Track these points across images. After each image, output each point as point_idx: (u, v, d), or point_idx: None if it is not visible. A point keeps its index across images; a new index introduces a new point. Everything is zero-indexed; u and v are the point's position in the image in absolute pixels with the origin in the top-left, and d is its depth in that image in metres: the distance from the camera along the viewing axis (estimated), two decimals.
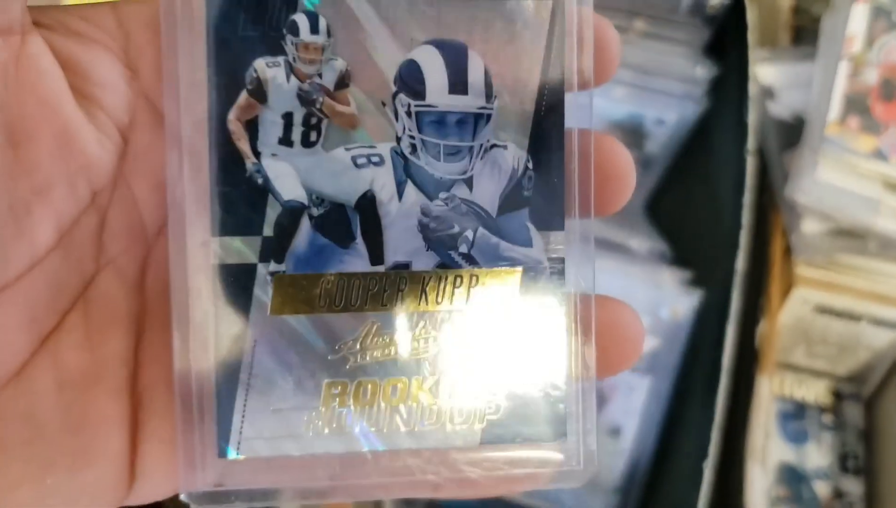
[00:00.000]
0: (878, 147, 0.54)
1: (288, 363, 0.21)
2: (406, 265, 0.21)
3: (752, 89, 0.57)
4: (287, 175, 0.21)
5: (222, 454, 0.20)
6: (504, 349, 0.21)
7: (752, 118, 0.56)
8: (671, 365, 0.53)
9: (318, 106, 0.21)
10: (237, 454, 0.20)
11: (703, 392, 0.51)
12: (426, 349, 0.21)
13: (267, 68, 0.20)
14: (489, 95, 0.21)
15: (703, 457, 0.48)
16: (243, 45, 0.20)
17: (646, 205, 0.66)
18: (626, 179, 0.22)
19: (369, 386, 0.21)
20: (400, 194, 0.21)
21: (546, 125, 0.21)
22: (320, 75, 0.21)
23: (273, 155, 0.21)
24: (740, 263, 0.52)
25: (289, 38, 0.20)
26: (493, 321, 0.21)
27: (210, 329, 0.20)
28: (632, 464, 0.53)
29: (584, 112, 0.21)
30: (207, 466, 0.20)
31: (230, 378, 0.20)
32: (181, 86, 0.20)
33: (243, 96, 0.20)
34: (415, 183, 0.21)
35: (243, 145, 0.20)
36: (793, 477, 0.62)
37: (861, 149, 0.54)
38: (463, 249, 0.21)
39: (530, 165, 0.21)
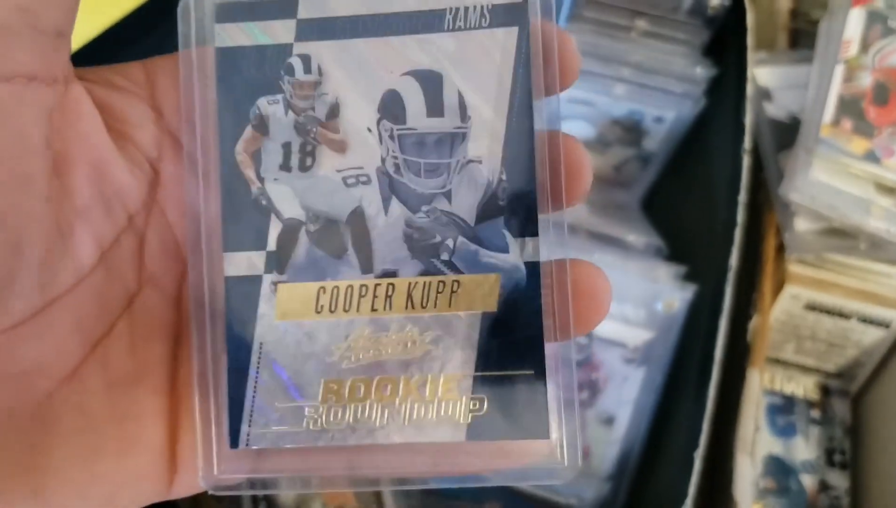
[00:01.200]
0: (871, 149, 0.56)
1: (290, 363, 0.23)
2: (393, 273, 0.23)
3: (750, 90, 0.58)
4: (287, 197, 0.23)
5: (233, 445, 0.23)
6: (486, 350, 0.23)
7: (749, 118, 0.57)
8: (664, 357, 0.54)
9: (312, 135, 0.23)
10: (246, 445, 0.23)
11: (695, 384, 0.52)
12: (413, 350, 0.23)
13: (268, 105, 0.23)
14: (464, 116, 0.23)
15: (695, 447, 0.49)
16: (249, 88, 0.23)
17: (643, 200, 0.67)
18: (584, 172, 0.24)
19: (363, 385, 0.23)
20: (386, 208, 0.23)
21: (517, 141, 0.23)
22: (313, 109, 0.23)
23: (275, 179, 0.23)
24: (734, 259, 0.54)
25: (286, 78, 0.23)
26: (474, 323, 0.23)
27: (223, 333, 0.23)
28: (624, 453, 0.55)
29: (553, 115, 0.23)
30: (222, 456, 0.23)
31: (240, 378, 0.23)
32: (197, 124, 0.23)
33: (248, 130, 0.23)
34: (399, 198, 0.23)
35: (249, 172, 0.23)
36: (780, 470, 0.63)
37: (854, 151, 0.56)
38: (444, 256, 0.23)
39: (504, 178, 0.23)
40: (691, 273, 0.56)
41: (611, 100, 0.61)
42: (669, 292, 0.54)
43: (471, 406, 0.23)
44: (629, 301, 0.54)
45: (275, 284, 0.23)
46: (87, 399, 0.22)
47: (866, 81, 0.57)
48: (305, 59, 0.23)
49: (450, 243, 0.23)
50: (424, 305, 0.23)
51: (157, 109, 0.24)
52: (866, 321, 0.60)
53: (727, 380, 0.54)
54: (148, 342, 0.23)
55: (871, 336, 0.61)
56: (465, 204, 0.23)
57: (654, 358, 0.54)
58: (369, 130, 0.23)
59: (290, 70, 0.23)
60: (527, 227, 0.23)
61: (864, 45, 0.58)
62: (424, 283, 0.23)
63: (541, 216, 0.23)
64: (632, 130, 0.63)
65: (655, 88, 0.60)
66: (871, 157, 0.55)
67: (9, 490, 0.21)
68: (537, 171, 0.23)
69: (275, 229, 0.23)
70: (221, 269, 0.23)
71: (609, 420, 0.54)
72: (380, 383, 0.23)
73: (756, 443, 0.59)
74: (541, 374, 0.22)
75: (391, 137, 0.23)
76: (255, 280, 0.23)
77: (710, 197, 0.60)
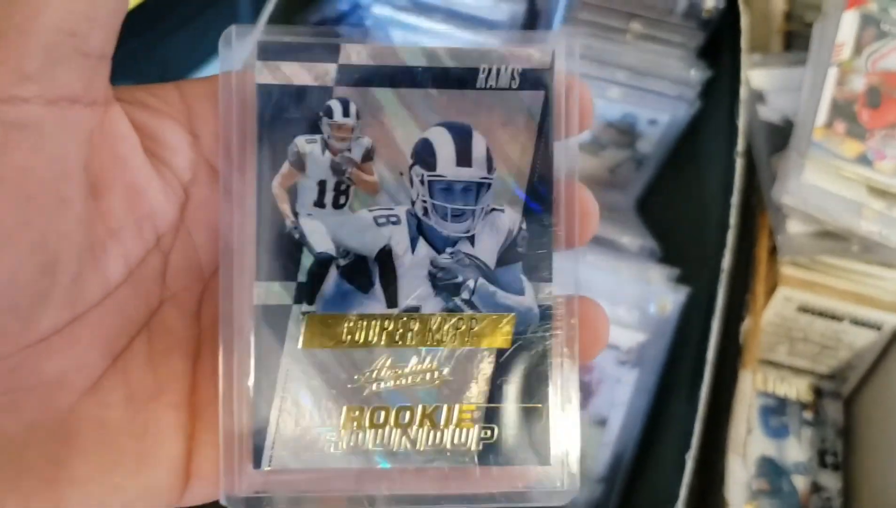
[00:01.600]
0: (863, 152, 0.56)
1: (314, 389, 0.24)
2: (416, 309, 0.24)
3: (743, 93, 0.58)
4: (319, 232, 0.24)
5: (257, 465, 0.24)
6: (499, 383, 0.24)
7: (742, 121, 0.58)
8: (657, 359, 0.55)
9: (347, 175, 0.25)
10: (269, 465, 0.24)
11: (688, 386, 0.53)
12: (432, 381, 0.24)
13: (306, 144, 0.24)
14: (490, 168, 0.25)
15: (686, 448, 0.49)
16: (287, 125, 0.24)
17: (637, 203, 0.67)
18: (593, 219, 0.26)
19: (383, 412, 0.24)
20: (413, 248, 0.25)
21: (538, 194, 0.25)
22: (350, 150, 0.24)
23: (308, 215, 0.24)
24: (727, 261, 0.54)
25: (325, 119, 0.24)
26: (489, 358, 0.24)
27: (251, 359, 0.24)
28: (616, 454, 0.55)
29: (571, 164, 0.25)
30: (244, 475, 0.24)
31: (265, 401, 0.24)
32: (234, 154, 0.24)
33: (286, 167, 0.24)
34: (426, 239, 0.25)
35: (284, 207, 0.24)
36: (773, 471, 0.63)
37: (847, 154, 0.56)
38: (465, 296, 0.25)
39: (524, 227, 0.25)
40: (684, 275, 0.57)
41: (605, 102, 0.61)
42: (662, 295, 0.54)
43: (482, 435, 0.24)
44: (622, 304, 0.54)
45: (303, 314, 0.24)
46: (108, 413, 0.23)
47: (859, 83, 0.57)
48: (344, 103, 0.24)
49: (471, 283, 0.25)
50: (444, 339, 0.24)
51: (193, 133, 0.25)
52: (858, 323, 0.60)
53: (719, 382, 0.54)
54: (167, 358, 0.24)
55: (864, 338, 0.62)
56: (487, 249, 0.25)
57: (647, 360, 0.55)
58: (401, 174, 0.25)
59: (330, 112, 0.24)
60: (542, 273, 0.25)
61: (858, 48, 0.58)
62: (445, 319, 0.25)
63: (556, 255, 0.25)
64: (626, 133, 0.63)
65: (650, 90, 0.61)
66: (864, 160, 0.56)
67: (31, 503, 0.21)
68: (554, 218, 0.25)
69: (306, 262, 0.24)
70: (252, 297, 0.24)
71: (602, 422, 0.55)
72: (399, 410, 0.24)
73: (749, 444, 0.60)
74: (546, 408, 0.24)
75: (422, 182, 0.25)
76: (285, 310, 0.24)
77: (703, 199, 0.60)
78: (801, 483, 0.63)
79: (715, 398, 0.53)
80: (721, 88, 0.61)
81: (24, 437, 0.21)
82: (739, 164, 0.56)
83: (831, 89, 0.57)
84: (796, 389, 0.67)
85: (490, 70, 0.25)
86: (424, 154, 0.25)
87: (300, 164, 0.24)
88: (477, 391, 0.24)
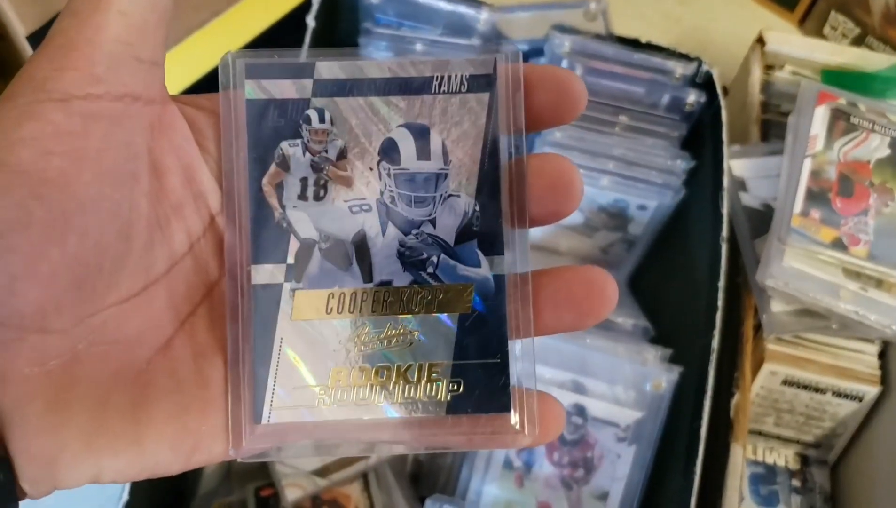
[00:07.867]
0: (838, 237, 0.60)
1: (304, 354, 0.28)
2: (389, 282, 0.29)
3: (726, 181, 0.62)
4: (303, 221, 0.29)
5: (256, 421, 0.27)
6: (462, 343, 0.28)
7: (726, 207, 0.62)
8: (654, 435, 0.58)
9: (325, 172, 0.29)
10: (268, 419, 0.28)
11: (683, 460, 0.56)
12: (405, 343, 0.28)
13: (289, 147, 0.29)
14: (446, 160, 0.29)
15: None
16: (273, 132, 0.29)
17: (629, 283, 0.71)
18: (572, 186, 0.28)
19: (363, 371, 0.28)
20: (383, 231, 0.29)
21: (488, 180, 0.29)
22: (326, 151, 0.29)
23: (294, 207, 0.29)
24: (716, 341, 0.57)
25: (304, 126, 0.29)
26: (453, 321, 0.28)
27: (250, 331, 0.28)
28: None
29: (518, 146, 0.29)
30: (247, 429, 0.27)
31: (263, 365, 0.28)
32: (232, 157, 0.28)
33: (273, 167, 0.29)
34: (394, 224, 0.29)
35: (273, 201, 0.29)
36: None
37: (823, 239, 0.60)
38: (430, 270, 0.28)
39: (477, 209, 0.29)
40: (676, 355, 0.60)
41: (597, 190, 0.65)
42: (657, 374, 0.58)
43: (450, 388, 0.28)
44: (620, 383, 0.58)
45: (293, 290, 0.28)
46: (179, 366, 0.26)
47: (832, 174, 0.62)
48: (320, 111, 0.29)
49: (434, 259, 0.28)
50: (414, 308, 0.28)
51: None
52: (840, 394, 0.64)
53: (712, 455, 0.58)
54: (224, 322, 0.28)
55: (846, 409, 0.65)
56: (447, 229, 0.29)
57: (645, 436, 0.58)
58: (371, 169, 0.29)
59: (308, 119, 0.29)
60: (494, 247, 0.28)
61: (830, 141, 0.63)
62: (414, 290, 0.28)
63: (507, 231, 0.28)
64: (617, 217, 0.68)
65: (638, 179, 0.65)
66: (839, 245, 0.60)
67: (115, 440, 0.25)
68: (503, 200, 0.28)
69: (293, 247, 0.28)
70: (250, 278, 0.28)
71: (603, 496, 0.57)
72: (377, 369, 0.28)
73: None
74: (505, 363, 0.28)
75: (388, 174, 0.29)
76: (277, 288, 0.28)
77: (692, 282, 0.64)
78: None
79: (708, 471, 0.56)
80: (704, 176, 0.65)
81: (111, 383, 0.25)
82: (724, 248, 0.60)
83: (806, 179, 0.61)
84: (784, 457, 0.70)
85: (442, 77, 0.29)
86: (390, 151, 0.29)
87: (285, 164, 0.29)
88: (445, 350, 0.28)
